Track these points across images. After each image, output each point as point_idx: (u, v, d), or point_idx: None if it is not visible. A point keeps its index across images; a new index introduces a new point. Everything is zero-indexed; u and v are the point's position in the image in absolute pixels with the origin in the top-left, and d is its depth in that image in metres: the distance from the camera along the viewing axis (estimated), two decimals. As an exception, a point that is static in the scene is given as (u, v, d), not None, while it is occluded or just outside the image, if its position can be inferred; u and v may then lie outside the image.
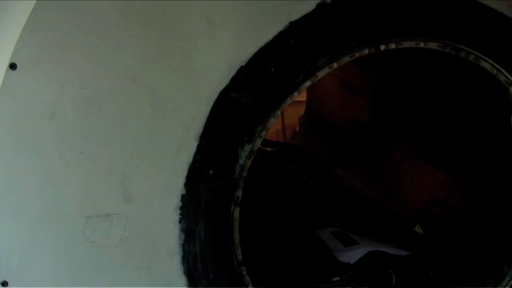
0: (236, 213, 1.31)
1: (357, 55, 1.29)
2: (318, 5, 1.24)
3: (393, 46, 1.31)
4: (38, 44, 1.17)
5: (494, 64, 1.37)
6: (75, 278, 1.28)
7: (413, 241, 1.79)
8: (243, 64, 1.23)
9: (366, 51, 1.30)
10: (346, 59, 1.29)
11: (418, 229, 1.76)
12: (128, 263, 1.30)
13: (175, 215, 1.28)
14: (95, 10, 1.17)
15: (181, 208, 1.28)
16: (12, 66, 1.17)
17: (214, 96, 1.23)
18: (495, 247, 1.56)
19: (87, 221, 1.26)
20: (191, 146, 1.25)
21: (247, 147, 1.27)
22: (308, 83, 1.28)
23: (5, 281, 1.26)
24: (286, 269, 1.60)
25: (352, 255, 1.67)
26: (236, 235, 1.33)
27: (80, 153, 1.22)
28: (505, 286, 1.51)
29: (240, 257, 1.34)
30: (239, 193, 1.30)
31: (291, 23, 1.23)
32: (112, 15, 1.17)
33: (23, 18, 1.18)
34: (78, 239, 1.26)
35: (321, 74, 1.28)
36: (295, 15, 1.23)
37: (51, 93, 1.19)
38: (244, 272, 1.35)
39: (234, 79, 1.23)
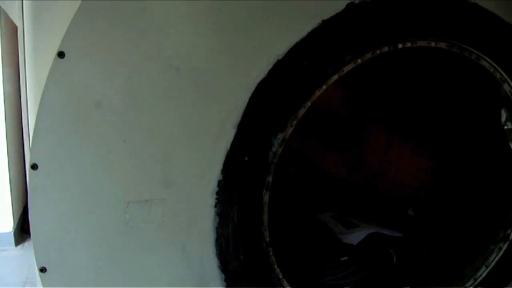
0: (266, 197, 1.38)
1: (378, 52, 1.39)
2: (347, 5, 1.32)
3: (408, 44, 1.42)
4: (86, 34, 1.18)
5: (492, 63, 1.52)
6: (112, 261, 1.32)
7: (404, 224, 1.92)
8: (280, 58, 1.30)
9: (386, 49, 1.40)
10: (369, 55, 1.39)
11: (410, 212, 1.90)
12: (164, 245, 1.34)
13: (211, 200, 1.34)
14: (140, 5, 1.20)
15: (217, 193, 1.34)
16: (61, 55, 1.18)
17: (253, 87, 1.29)
18: (482, 227, 1.72)
19: (127, 206, 1.29)
20: (229, 134, 1.31)
21: (280, 136, 1.35)
22: (335, 77, 1.36)
23: (44, 267, 1.27)
24: (295, 250, 1.68)
25: (354, 237, 1.78)
26: (265, 218, 1.40)
27: (124, 141, 1.25)
28: (491, 262, 1.69)
29: (267, 239, 1.42)
30: (270, 178, 1.37)
31: (323, 21, 1.31)
32: (159, 6, 1.21)
33: (73, 7, 1.19)
34: (117, 224, 1.30)
35: (347, 69, 1.37)
36: (328, 14, 1.31)
37: (97, 82, 1.21)
38: (270, 253, 1.43)
39: (271, 72, 1.30)
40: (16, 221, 2.98)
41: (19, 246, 2.92)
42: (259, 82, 1.29)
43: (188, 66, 1.24)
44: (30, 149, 1.22)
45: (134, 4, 1.19)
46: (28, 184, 1.24)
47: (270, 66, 1.29)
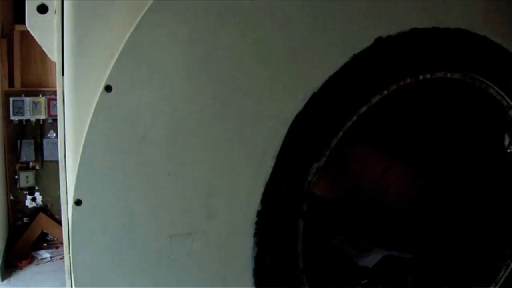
0: (301, 226, 1.40)
1: (401, 83, 1.46)
2: (376, 40, 1.38)
3: (428, 76, 1.49)
4: (133, 68, 1.18)
5: (499, 91, 1.61)
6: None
7: (412, 245, 1.97)
8: (315, 91, 1.33)
9: (408, 80, 1.46)
10: (393, 87, 1.45)
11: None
12: (205, 276, 1.33)
13: (250, 230, 1.34)
14: (187, 38, 1.21)
15: (256, 223, 1.34)
16: (107, 88, 1.17)
17: (290, 120, 1.32)
18: (490, 245, 1.80)
19: (170, 240, 1.28)
20: (269, 165, 1.32)
21: (315, 165, 1.37)
22: (364, 108, 1.41)
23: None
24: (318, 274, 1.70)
25: (369, 260, 1.82)
26: (300, 246, 1.42)
27: (168, 174, 1.25)
28: (500, 279, 1.76)
29: (301, 266, 1.43)
30: (305, 207, 1.39)
31: (354, 55, 1.36)
32: (203, 41, 1.22)
33: (120, 41, 1.19)
34: (159, 258, 1.28)
35: (374, 100, 1.42)
36: (358, 48, 1.36)
37: (143, 115, 1.20)
38: (304, 279, 1.45)
39: (307, 105, 1.33)
40: (1, 257, 2.85)
41: (5, 281, 2.79)
42: (297, 115, 1.32)
43: (230, 99, 1.25)
44: (74, 185, 1.19)
45: (179, 39, 1.20)
46: (70, 220, 1.21)
47: (307, 99, 1.33)
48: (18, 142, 3.03)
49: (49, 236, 3.27)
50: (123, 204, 1.22)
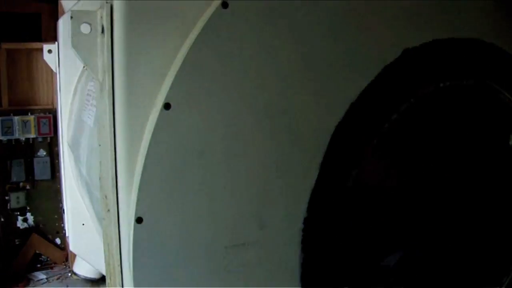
0: (343, 230, 1.44)
1: (424, 91, 1.54)
2: (403, 51, 1.45)
3: (448, 83, 1.58)
4: (191, 86, 1.19)
5: (507, 95, 1.72)
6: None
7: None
8: (353, 101, 1.39)
9: (431, 88, 1.54)
10: (418, 95, 1.52)
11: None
12: (256, 284, 1.35)
13: (298, 237, 1.37)
14: (242, 56, 1.23)
15: (303, 230, 1.37)
16: (167, 106, 1.18)
17: (332, 129, 1.37)
18: (494, 260, 1.88)
19: (226, 251, 1.29)
20: (314, 174, 1.36)
21: (354, 172, 1.42)
22: (395, 116, 1.48)
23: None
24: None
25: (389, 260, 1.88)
26: (342, 251, 1.46)
27: (224, 187, 1.26)
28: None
29: (345, 270, 1.48)
30: (346, 212, 1.44)
31: (385, 66, 1.43)
32: (255, 61, 1.25)
33: (172, 59, 1.20)
34: (217, 270, 1.29)
35: (402, 108, 1.49)
36: (389, 59, 1.43)
37: (201, 132, 1.21)
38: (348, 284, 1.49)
39: (346, 114, 1.38)
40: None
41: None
42: (337, 124, 1.37)
43: (279, 112, 1.29)
44: (136, 203, 1.18)
45: (234, 57, 1.22)
46: (132, 237, 1.20)
47: (346, 108, 1.38)
48: (8, 162, 2.93)
49: (43, 256, 3.16)
50: (182, 218, 1.23)
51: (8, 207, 3.04)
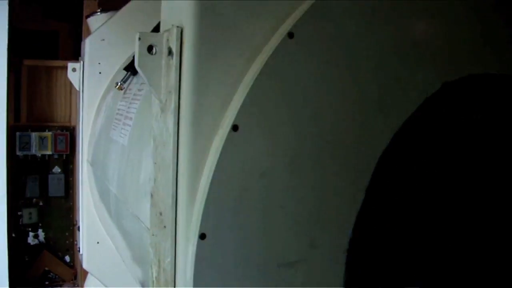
0: (385, 253, 1.49)
1: (460, 122, 1.62)
2: (442, 84, 1.53)
3: (479, 116, 1.66)
4: (258, 110, 1.24)
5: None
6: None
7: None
8: (397, 130, 1.45)
9: (463, 120, 1.62)
10: (454, 126, 1.60)
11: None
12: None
13: (342, 258, 1.42)
14: (303, 84, 1.30)
15: (348, 250, 1.42)
16: (235, 128, 1.23)
17: (377, 157, 1.43)
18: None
19: (277, 269, 1.33)
20: (360, 198, 1.41)
21: (396, 197, 1.48)
22: (435, 143, 1.55)
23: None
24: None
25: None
26: (383, 273, 1.51)
27: (281, 207, 1.30)
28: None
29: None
30: (390, 235, 1.49)
31: (427, 98, 1.50)
32: (315, 90, 1.31)
33: (245, 84, 1.25)
34: (267, 286, 1.32)
35: (441, 137, 1.57)
36: (430, 91, 1.51)
37: (264, 154, 1.26)
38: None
39: (390, 143, 1.45)
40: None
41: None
42: (381, 154, 1.43)
43: (331, 140, 1.35)
44: (200, 220, 1.22)
45: (297, 85, 1.28)
46: (194, 253, 1.23)
47: (390, 138, 1.44)
48: (23, 177, 2.91)
49: (51, 274, 3.12)
50: (242, 236, 1.26)
51: (20, 223, 3.01)
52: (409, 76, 1.47)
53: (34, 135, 2.89)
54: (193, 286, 1.24)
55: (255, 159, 1.25)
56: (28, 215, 2.98)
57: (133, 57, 2.25)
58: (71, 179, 3.14)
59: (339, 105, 1.35)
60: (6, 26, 2.51)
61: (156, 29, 2.24)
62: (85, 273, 2.90)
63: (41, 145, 2.90)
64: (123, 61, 2.67)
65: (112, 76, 2.65)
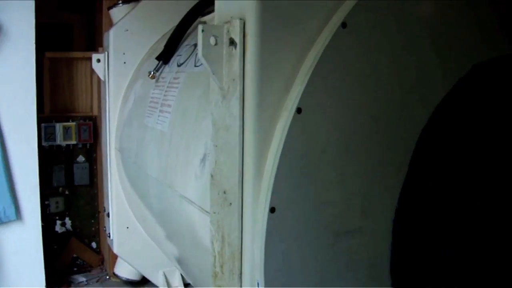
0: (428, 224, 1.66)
1: (489, 105, 1.78)
2: (473, 66, 1.69)
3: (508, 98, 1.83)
4: (318, 94, 1.38)
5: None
6: (319, 282, 1.49)
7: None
8: (433, 109, 1.61)
9: (493, 103, 1.79)
10: (484, 109, 1.76)
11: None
12: (356, 270, 1.54)
13: (390, 226, 1.58)
14: (354, 68, 1.44)
15: (394, 220, 1.58)
16: (298, 111, 1.37)
17: (418, 133, 1.58)
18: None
19: (335, 237, 1.48)
20: (404, 171, 1.57)
21: (435, 170, 1.65)
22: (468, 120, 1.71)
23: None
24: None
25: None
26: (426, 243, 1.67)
27: (338, 181, 1.45)
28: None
29: (430, 264, 1.69)
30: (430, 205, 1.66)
31: (459, 79, 1.66)
32: (365, 74, 1.46)
33: (304, 71, 1.39)
34: (327, 253, 1.47)
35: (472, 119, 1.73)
36: (462, 74, 1.66)
37: (324, 133, 1.40)
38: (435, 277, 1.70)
39: (429, 120, 1.60)
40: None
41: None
42: (422, 128, 1.59)
43: (378, 117, 1.50)
44: (270, 195, 1.36)
45: (350, 70, 1.43)
46: (265, 226, 1.38)
47: (429, 116, 1.60)
48: (49, 167, 3.01)
49: (79, 260, 3.24)
50: (306, 208, 1.41)
51: (48, 212, 3.12)
52: (442, 59, 1.62)
53: (58, 125, 2.99)
54: (265, 256, 1.38)
55: (316, 137, 1.40)
56: (55, 204, 3.09)
57: (165, 46, 2.37)
58: (95, 167, 3.25)
59: (385, 87, 1.50)
60: (33, 21, 2.59)
61: (188, 20, 2.36)
62: (113, 258, 3.03)
63: (65, 135, 3.00)
64: (146, 50, 2.78)
65: (136, 65, 2.75)
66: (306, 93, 1.37)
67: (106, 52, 2.74)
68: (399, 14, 1.52)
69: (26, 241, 2.67)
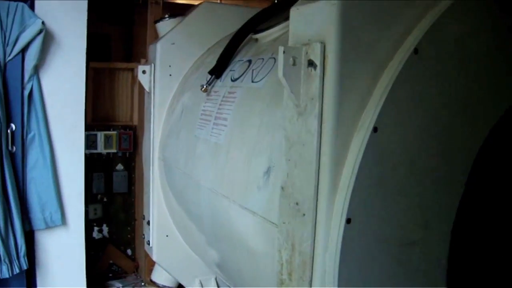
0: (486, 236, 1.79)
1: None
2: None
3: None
4: (392, 115, 1.51)
5: None
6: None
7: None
8: (491, 127, 1.74)
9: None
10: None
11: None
12: (415, 279, 1.67)
13: (448, 238, 1.70)
14: (424, 91, 1.58)
15: (451, 231, 1.71)
16: (375, 130, 1.50)
17: (477, 149, 1.71)
18: None
19: (400, 248, 1.61)
20: (462, 184, 1.70)
21: (490, 182, 1.78)
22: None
23: None
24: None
25: None
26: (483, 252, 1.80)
27: (405, 195, 1.58)
28: None
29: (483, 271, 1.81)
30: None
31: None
32: (434, 97, 1.60)
33: (379, 93, 1.53)
34: (394, 264, 1.60)
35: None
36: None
37: (396, 151, 1.53)
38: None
39: (487, 138, 1.74)
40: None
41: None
42: (481, 144, 1.72)
43: (442, 134, 1.63)
44: (348, 206, 1.49)
45: (421, 92, 1.56)
46: (341, 236, 1.50)
47: (486, 134, 1.73)
48: (89, 175, 3.13)
49: (114, 266, 3.34)
50: (377, 219, 1.53)
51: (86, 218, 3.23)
52: (497, 85, 1.76)
53: (100, 134, 3.12)
54: (339, 264, 1.50)
55: (389, 155, 1.53)
56: (93, 211, 3.20)
57: (217, 61, 2.50)
58: (133, 176, 3.37)
59: (448, 110, 1.63)
60: (85, 31, 2.73)
61: (240, 36, 2.49)
62: (149, 264, 3.14)
63: (106, 143, 3.12)
64: (191, 64, 2.91)
65: (181, 78, 2.89)
66: (383, 114, 1.50)
67: (152, 64, 2.87)
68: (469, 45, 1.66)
69: (70, 246, 2.78)
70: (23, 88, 2.59)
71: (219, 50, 2.61)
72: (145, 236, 3.04)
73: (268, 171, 1.91)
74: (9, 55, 2.53)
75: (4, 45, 2.51)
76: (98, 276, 3.25)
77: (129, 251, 3.45)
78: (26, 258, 2.57)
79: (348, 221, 1.49)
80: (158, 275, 3.12)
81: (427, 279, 1.70)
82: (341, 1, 1.50)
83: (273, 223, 1.84)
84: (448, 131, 1.65)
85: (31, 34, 2.53)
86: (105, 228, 3.32)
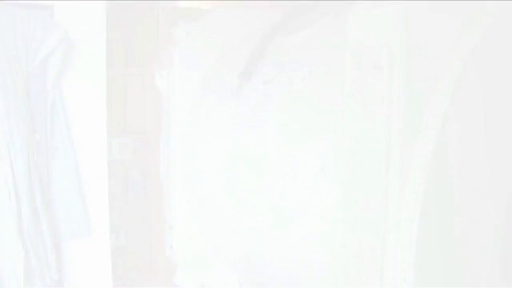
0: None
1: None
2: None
3: None
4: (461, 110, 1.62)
5: None
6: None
7: None
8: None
9: None
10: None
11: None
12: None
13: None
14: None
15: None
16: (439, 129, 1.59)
17: None
18: None
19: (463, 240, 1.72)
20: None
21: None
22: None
23: None
24: None
25: None
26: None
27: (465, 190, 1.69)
28: None
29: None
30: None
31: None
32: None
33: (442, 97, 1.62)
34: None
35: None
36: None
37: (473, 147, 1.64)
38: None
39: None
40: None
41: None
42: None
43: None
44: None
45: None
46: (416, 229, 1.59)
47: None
48: (107, 181, 3.09)
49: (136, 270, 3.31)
50: (442, 214, 1.64)
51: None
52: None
53: (115, 140, 3.07)
54: (415, 256, 1.59)
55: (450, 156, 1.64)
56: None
57: (246, 64, 2.54)
58: (152, 182, 3.33)
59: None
60: (104, 37, 2.70)
61: (267, 40, 2.53)
62: (171, 268, 3.12)
63: (122, 150, 3.08)
64: (209, 68, 2.92)
65: (200, 82, 2.89)
66: (446, 114, 1.61)
67: (170, 69, 2.87)
68: None
69: (95, 254, 2.75)
70: (46, 98, 2.53)
71: (240, 53, 2.65)
72: (168, 240, 3.04)
73: (322, 170, 1.97)
74: (31, 64, 2.47)
75: (26, 55, 2.45)
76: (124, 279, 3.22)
77: (150, 255, 3.43)
78: (56, 269, 2.53)
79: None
80: (181, 278, 3.12)
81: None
82: (406, 6, 1.59)
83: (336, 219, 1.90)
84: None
85: (53, 43, 2.48)
86: (124, 233, 3.29)
